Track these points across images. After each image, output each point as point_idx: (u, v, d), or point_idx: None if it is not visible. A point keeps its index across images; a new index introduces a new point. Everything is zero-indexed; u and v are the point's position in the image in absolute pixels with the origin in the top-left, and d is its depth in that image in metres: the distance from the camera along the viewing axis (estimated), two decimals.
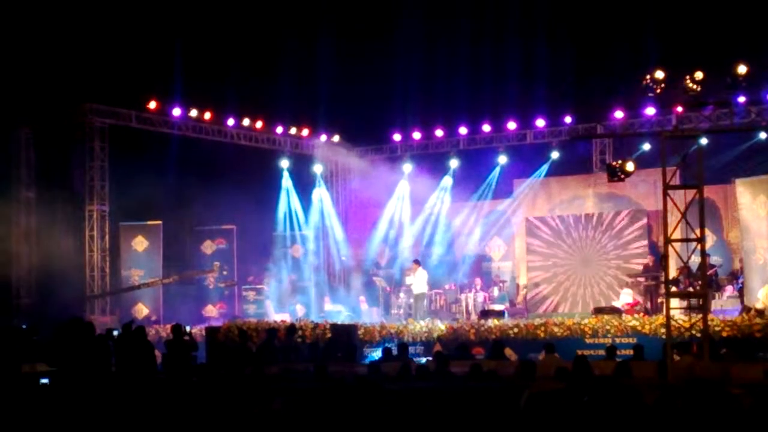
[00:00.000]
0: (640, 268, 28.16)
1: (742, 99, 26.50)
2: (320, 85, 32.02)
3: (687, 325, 19.29)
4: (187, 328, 20.27)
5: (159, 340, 24.31)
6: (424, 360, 20.95)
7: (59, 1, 28.70)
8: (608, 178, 21.09)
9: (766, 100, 27.10)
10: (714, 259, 26.85)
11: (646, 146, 28.90)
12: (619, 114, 30.02)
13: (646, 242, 29.46)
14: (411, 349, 22.30)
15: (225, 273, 32.37)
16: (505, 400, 11.04)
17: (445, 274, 32.24)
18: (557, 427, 9.34)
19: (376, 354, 22.98)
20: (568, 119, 31.47)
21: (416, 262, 29.55)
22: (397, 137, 34.38)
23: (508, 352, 21.87)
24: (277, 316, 28.78)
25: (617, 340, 21.96)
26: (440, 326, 24.84)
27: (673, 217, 19.60)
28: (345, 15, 32.06)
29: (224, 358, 22.31)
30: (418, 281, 28.82)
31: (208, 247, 32.71)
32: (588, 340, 22.62)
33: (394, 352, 20.75)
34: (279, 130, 33.45)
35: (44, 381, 14.47)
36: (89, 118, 29.78)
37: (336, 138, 35.19)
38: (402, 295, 30.71)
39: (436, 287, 30.52)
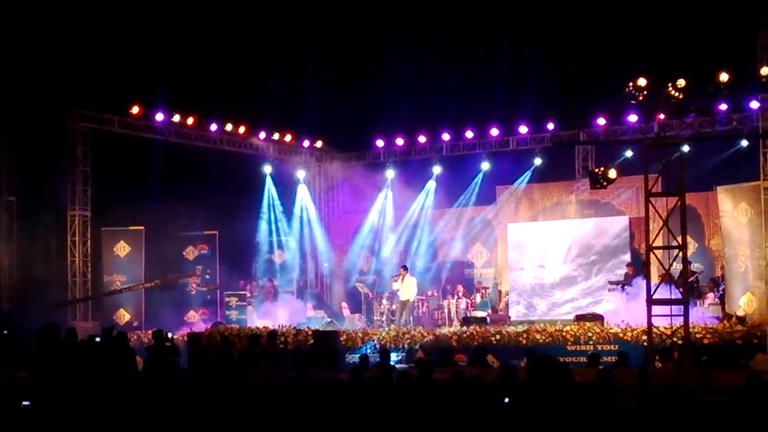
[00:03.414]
0: (622, 275, 28.16)
1: (723, 107, 26.67)
2: (304, 91, 32.00)
3: (668, 332, 19.37)
4: (169, 335, 20.22)
5: (141, 345, 24.23)
6: (406, 366, 20.94)
7: (41, 6, 28.61)
8: (591, 185, 21.14)
9: (748, 107, 27.19)
10: (695, 266, 26.91)
11: (629, 153, 29.01)
12: (601, 121, 30.12)
13: (627, 249, 29.49)
14: (393, 356, 22.27)
15: (208, 277, 32.34)
16: (486, 407, 11.04)
17: (427, 280, 32.26)
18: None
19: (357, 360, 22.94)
20: (550, 126, 31.51)
21: (404, 268, 29.46)
22: (380, 143, 34.34)
23: (490, 358, 21.90)
24: (259, 322, 28.74)
25: (599, 347, 22.00)
26: (422, 333, 24.83)
27: (655, 224, 19.68)
28: (330, 21, 32.05)
29: (206, 364, 22.24)
30: (407, 288, 28.71)
31: (191, 252, 32.67)
32: (570, 347, 22.64)
33: (372, 358, 20.72)
34: (262, 135, 33.41)
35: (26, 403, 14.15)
36: (71, 123, 29.72)
37: (319, 144, 35.21)
38: (384, 301, 30.71)
39: (418, 294, 30.53)
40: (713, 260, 28.94)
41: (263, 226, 34.42)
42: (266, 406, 12.59)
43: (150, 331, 23.30)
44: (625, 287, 26.74)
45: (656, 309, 18.99)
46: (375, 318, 30.63)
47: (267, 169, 34.26)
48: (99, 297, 30.77)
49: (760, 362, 18.91)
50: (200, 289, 32.16)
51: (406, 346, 24.35)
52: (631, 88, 18.95)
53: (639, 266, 26.77)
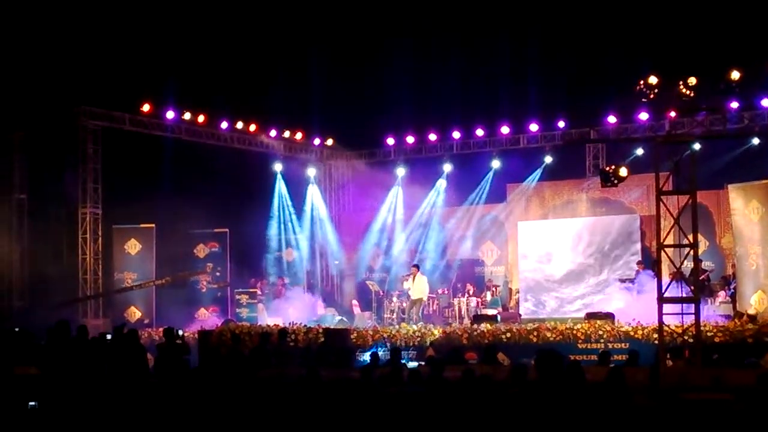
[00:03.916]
0: (633, 273, 28.10)
1: (735, 105, 26.63)
2: (314, 89, 32.05)
3: (679, 330, 19.33)
4: (179, 332, 20.24)
5: (152, 343, 24.26)
6: (416, 365, 20.92)
7: (53, 4, 28.66)
8: (601, 183, 21.12)
9: (759, 105, 27.15)
10: (706, 264, 26.86)
11: (639, 151, 28.96)
12: (612, 119, 30.09)
13: (638, 247, 29.42)
14: (403, 354, 22.27)
15: (218, 274, 32.34)
16: (497, 405, 11.03)
17: (437, 278, 32.23)
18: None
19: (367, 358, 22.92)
20: (561, 124, 31.51)
21: (416, 266, 29.40)
22: (390, 141, 34.35)
23: (501, 357, 21.88)
24: (269, 320, 28.75)
25: (610, 346, 21.96)
26: (433, 331, 24.82)
27: (666, 223, 19.64)
28: (339, 20, 32.08)
29: (217, 361, 22.27)
30: (418, 286, 28.66)
31: (201, 250, 32.65)
32: (580, 345, 22.60)
33: (383, 356, 20.69)
34: (273, 133, 33.44)
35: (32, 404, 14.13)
36: (82, 121, 29.73)
37: (329, 142, 35.21)
38: (395, 299, 30.69)
39: (429, 292, 30.55)
40: (724, 258, 28.88)
41: (274, 224, 34.45)
42: (277, 404, 12.61)
43: (161, 329, 23.30)
44: (626, 282, 26.80)
45: (667, 307, 18.96)
46: (385, 316, 30.60)
47: (277, 167, 34.31)
48: (110, 294, 30.81)
49: None
50: (211, 287, 32.15)
51: (416, 344, 24.35)
52: (642, 86, 18.90)
53: (649, 264, 26.72)
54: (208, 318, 31.05)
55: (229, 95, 31.67)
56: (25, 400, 13.79)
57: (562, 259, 30.22)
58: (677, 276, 19.68)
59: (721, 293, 26.33)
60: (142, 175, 30.10)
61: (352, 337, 24.64)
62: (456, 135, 33.09)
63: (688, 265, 21.10)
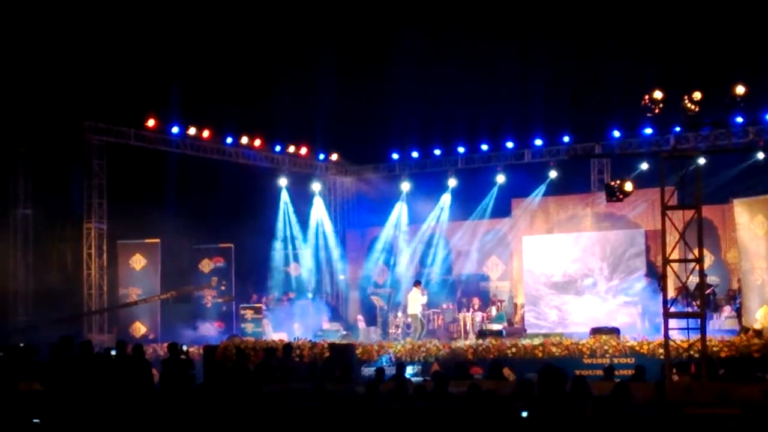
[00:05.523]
0: (637, 288, 28.05)
1: (740, 119, 26.62)
2: (319, 104, 32.09)
3: (685, 345, 19.27)
4: (184, 347, 20.22)
5: (156, 358, 24.23)
6: (421, 380, 20.87)
7: (58, 20, 28.74)
8: (607, 198, 21.05)
9: (764, 120, 27.14)
10: (711, 279, 26.82)
11: (644, 166, 28.93)
12: (617, 134, 30.08)
13: (644, 262, 29.38)
14: (408, 369, 22.23)
15: (223, 288, 32.30)
16: (503, 421, 11.01)
17: (442, 293, 32.21)
18: None
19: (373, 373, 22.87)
20: (566, 139, 31.49)
21: (418, 282, 29.54)
22: (395, 156, 34.41)
23: (506, 371, 21.80)
24: (274, 334, 28.72)
25: (615, 361, 21.89)
26: (438, 346, 24.78)
27: (671, 237, 19.58)
28: (344, 35, 32.14)
29: (222, 377, 22.22)
30: (414, 302, 28.83)
31: (206, 265, 32.60)
32: (586, 360, 22.54)
33: (388, 371, 20.66)
34: (278, 148, 33.45)
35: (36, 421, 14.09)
36: (88, 136, 29.77)
37: (334, 156, 35.24)
38: (400, 314, 30.68)
39: (433, 307, 30.50)
40: (730, 273, 28.84)
41: (279, 238, 34.45)
42: (282, 420, 12.59)
43: (165, 344, 23.28)
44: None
45: (673, 322, 18.91)
46: (391, 331, 30.59)
47: (282, 182, 34.32)
48: (115, 309, 30.77)
49: None
50: (216, 301, 32.09)
51: (422, 359, 24.29)
52: (647, 101, 18.85)
53: (656, 278, 26.69)
54: (213, 333, 31.01)
55: (233, 110, 31.71)
56: (28, 417, 13.77)
57: (566, 274, 30.20)
58: (683, 291, 19.62)
59: (727, 308, 26.31)
60: (147, 190, 30.14)
61: (357, 352, 24.59)
62: (461, 150, 33.13)
63: (693, 280, 21.06)
